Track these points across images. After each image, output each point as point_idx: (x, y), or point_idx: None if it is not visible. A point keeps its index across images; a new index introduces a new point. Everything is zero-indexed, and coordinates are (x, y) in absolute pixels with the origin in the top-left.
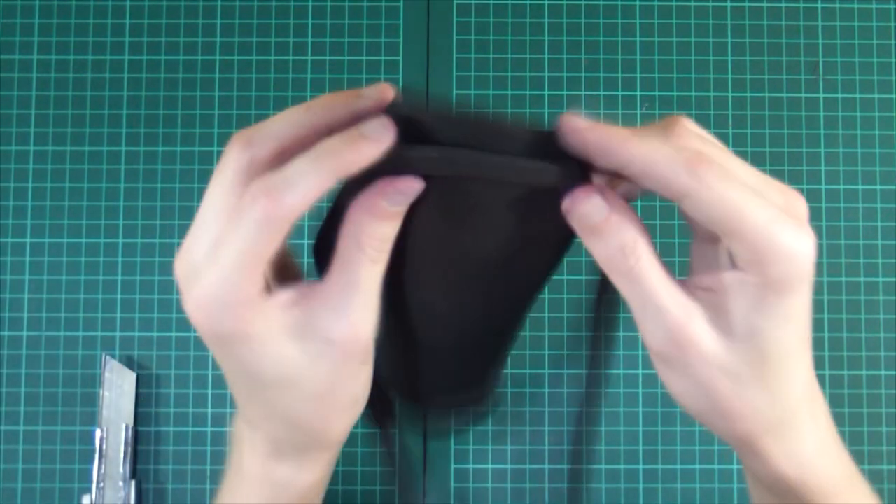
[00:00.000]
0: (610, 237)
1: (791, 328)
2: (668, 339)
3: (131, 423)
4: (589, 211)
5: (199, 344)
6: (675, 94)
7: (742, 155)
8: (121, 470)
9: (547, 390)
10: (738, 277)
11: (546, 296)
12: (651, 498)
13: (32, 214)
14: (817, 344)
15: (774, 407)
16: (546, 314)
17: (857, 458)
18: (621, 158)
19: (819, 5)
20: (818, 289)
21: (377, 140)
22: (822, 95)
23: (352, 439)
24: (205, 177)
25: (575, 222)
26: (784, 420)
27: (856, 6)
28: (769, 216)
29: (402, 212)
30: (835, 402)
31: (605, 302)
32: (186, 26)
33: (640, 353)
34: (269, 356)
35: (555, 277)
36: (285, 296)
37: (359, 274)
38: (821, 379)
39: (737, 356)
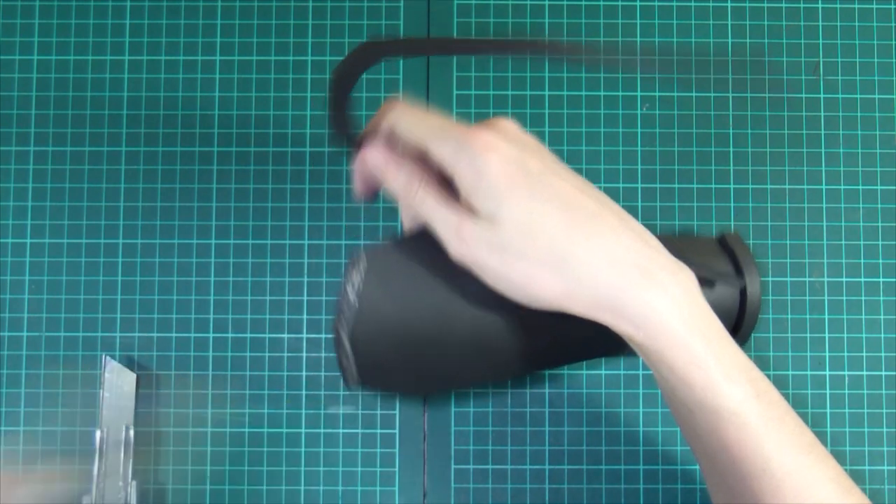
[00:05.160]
0: (395, 178)
1: (515, 204)
2: (461, 244)
3: (131, 424)
4: (376, 162)
5: (200, 344)
6: (675, 94)
7: (742, 155)
8: (121, 470)
9: (547, 390)
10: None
11: None
12: (652, 498)
13: (33, 215)
14: (818, 344)
15: (559, 267)
16: None
17: (858, 458)
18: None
19: (819, 5)
20: (819, 290)
21: None
22: (822, 96)
23: (352, 439)
24: (205, 177)
25: (370, 167)
26: (579, 276)
27: (856, 6)
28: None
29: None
30: (836, 403)
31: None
32: (186, 26)
33: None
34: None
35: None
36: None
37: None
38: (821, 379)
39: (503, 237)
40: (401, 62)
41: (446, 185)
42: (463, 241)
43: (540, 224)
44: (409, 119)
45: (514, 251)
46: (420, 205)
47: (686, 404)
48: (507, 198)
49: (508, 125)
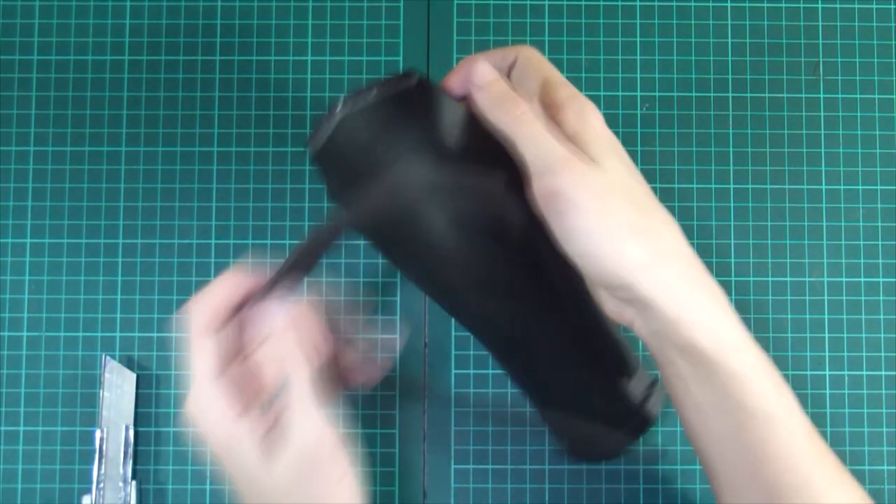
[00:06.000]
0: (503, 93)
1: (619, 162)
2: (566, 176)
3: (131, 424)
4: (486, 73)
5: None
6: (675, 94)
7: (742, 155)
8: (121, 470)
9: None
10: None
11: None
12: (651, 498)
13: (32, 215)
14: (818, 344)
15: (651, 236)
16: None
17: (858, 458)
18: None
19: (819, 5)
20: (819, 290)
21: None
22: (822, 96)
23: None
24: (205, 177)
25: (476, 83)
26: (665, 251)
27: (856, 6)
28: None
29: (295, 322)
30: (835, 403)
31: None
32: (186, 26)
33: (641, 353)
34: (249, 470)
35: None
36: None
37: (300, 387)
38: (821, 379)
39: (610, 184)
40: (400, 64)
41: None
42: (567, 175)
43: (637, 190)
44: (538, 58)
45: (620, 203)
46: (523, 126)
47: (726, 411)
48: (610, 152)
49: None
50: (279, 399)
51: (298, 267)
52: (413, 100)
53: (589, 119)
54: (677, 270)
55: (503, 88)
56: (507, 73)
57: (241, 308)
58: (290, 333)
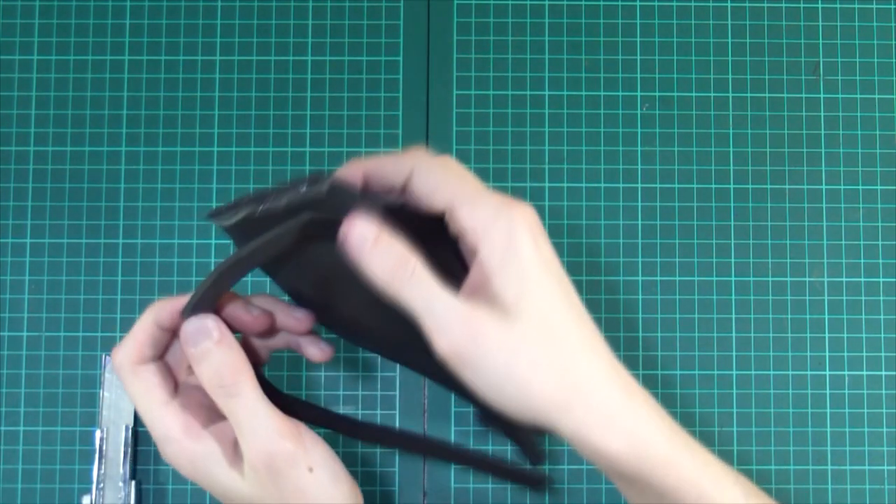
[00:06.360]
0: (386, 253)
1: (540, 294)
2: (464, 335)
3: (131, 424)
4: (362, 232)
5: None
6: (675, 94)
7: (742, 155)
8: (121, 470)
9: None
10: (481, 262)
11: None
12: None
13: (32, 215)
14: (818, 344)
15: (563, 375)
16: None
17: (858, 458)
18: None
19: (819, 5)
20: (819, 290)
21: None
22: (822, 96)
23: (352, 440)
24: (205, 177)
25: (352, 245)
26: (579, 387)
27: (856, 6)
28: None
29: (216, 343)
30: (835, 403)
31: None
32: (186, 26)
33: (641, 353)
34: (221, 485)
35: None
36: (212, 434)
37: (235, 407)
38: (822, 379)
39: (516, 332)
40: (400, 64)
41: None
42: (467, 334)
43: (560, 325)
44: (440, 173)
45: (527, 349)
46: (413, 288)
47: None
48: (535, 285)
49: (531, 210)
50: (227, 408)
51: (219, 284)
52: (322, 206)
53: (514, 246)
54: (595, 401)
55: (387, 246)
56: (403, 186)
57: (173, 333)
58: (223, 343)
